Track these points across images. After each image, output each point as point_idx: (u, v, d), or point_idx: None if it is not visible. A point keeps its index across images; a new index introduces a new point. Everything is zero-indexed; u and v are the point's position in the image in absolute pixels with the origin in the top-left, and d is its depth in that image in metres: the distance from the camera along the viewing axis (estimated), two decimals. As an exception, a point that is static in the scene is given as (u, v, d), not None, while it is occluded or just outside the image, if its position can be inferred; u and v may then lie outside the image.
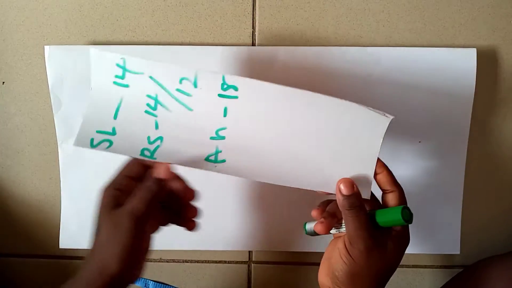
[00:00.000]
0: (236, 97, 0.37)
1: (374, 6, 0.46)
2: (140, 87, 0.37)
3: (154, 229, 0.38)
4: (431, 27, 0.47)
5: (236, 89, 0.37)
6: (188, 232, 0.39)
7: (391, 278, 0.52)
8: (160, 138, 0.37)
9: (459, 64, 0.46)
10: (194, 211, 0.39)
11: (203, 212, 0.49)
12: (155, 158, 0.37)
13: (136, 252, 0.34)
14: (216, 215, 0.49)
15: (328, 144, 0.37)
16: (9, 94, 0.50)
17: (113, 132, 0.37)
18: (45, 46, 0.46)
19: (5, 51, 0.49)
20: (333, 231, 0.39)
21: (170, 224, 0.39)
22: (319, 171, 0.37)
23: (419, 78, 0.46)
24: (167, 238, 0.50)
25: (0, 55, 0.49)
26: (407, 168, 0.48)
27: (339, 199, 0.36)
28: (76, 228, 0.50)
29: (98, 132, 0.37)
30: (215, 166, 0.37)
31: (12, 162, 0.51)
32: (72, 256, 0.53)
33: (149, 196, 0.34)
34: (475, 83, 0.46)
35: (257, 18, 0.47)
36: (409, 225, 0.48)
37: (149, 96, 0.37)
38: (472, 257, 0.50)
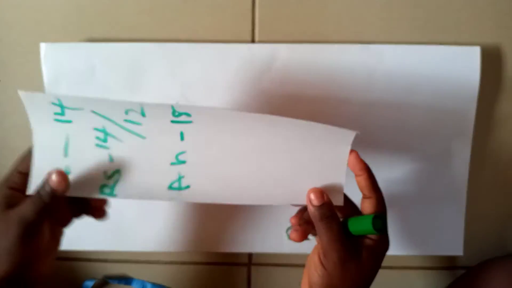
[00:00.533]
0: (190, 122, 0.34)
1: (376, 2, 0.46)
2: (85, 121, 0.34)
3: (65, 223, 0.38)
4: (434, 24, 0.46)
5: (189, 115, 0.34)
6: (98, 221, 0.39)
7: (393, 279, 0.52)
8: (118, 171, 0.35)
9: (463, 62, 0.45)
10: (102, 200, 0.38)
11: (198, 214, 0.49)
12: (115, 196, 0.35)
13: (30, 253, 0.34)
14: (215, 217, 0.49)
15: (295, 160, 0.36)
16: (5, 93, 0.49)
17: (68, 172, 0.35)
18: (41, 44, 0.46)
19: (0, 49, 0.48)
20: (312, 237, 0.38)
21: (83, 215, 0.39)
22: (288, 186, 0.36)
23: (422, 76, 0.46)
24: (166, 240, 0.49)
25: (-5, 53, 0.48)
26: (410, 167, 0.48)
27: (310, 210, 0.35)
28: (76, 229, 0.49)
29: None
30: (180, 194, 0.35)
31: (8, 162, 0.50)
32: (69, 257, 0.53)
33: (41, 205, 0.33)
34: (479, 82, 0.45)
35: (256, 14, 0.46)
36: (409, 226, 0.48)
37: (96, 129, 0.35)
38: (475, 258, 0.50)
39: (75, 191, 0.35)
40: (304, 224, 0.37)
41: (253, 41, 0.47)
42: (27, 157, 0.35)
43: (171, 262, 0.53)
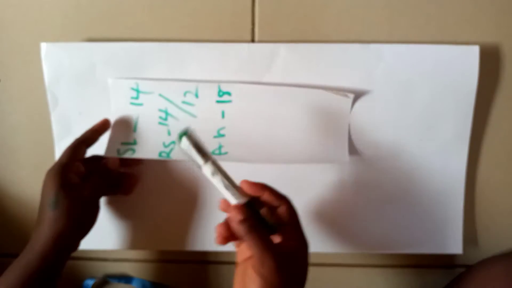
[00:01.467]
0: (230, 101, 0.45)
1: (376, 2, 0.46)
2: (153, 104, 0.45)
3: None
4: (434, 23, 0.46)
5: (229, 94, 0.45)
6: (126, 196, 0.47)
7: (392, 277, 0.52)
8: (173, 142, 0.46)
9: (462, 61, 0.45)
10: (135, 179, 0.48)
11: (198, 213, 0.49)
12: (170, 157, 0.45)
13: (79, 219, 0.41)
14: (216, 215, 0.49)
15: (308, 125, 0.45)
16: (5, 93, 0.49)
17: (135, 143, 0.46)
18: (41, 43, 0.46)
19: (0, 49, 0.48)
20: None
21: (110, 194, 0.47)
22: (304, 149, 0.45)
23: (420, 75, 0.46)
24: (165, 239, 0.49)
25: (-5, 53, 0.48)
26: (408, 166, 0.48)
27: (234, 227, 0.35)
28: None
29: (123, 143, 0.46)
30: (220, 157, 0.45)
31: (8, 161, 0.51)
32: (72, 257, 0.53)
33: (97, 185, 0.42)
34: (477, 81, 0.45)
35: (256, 13, 0.46)
36: (409, 224, 0.48)
37: (160, 110, 0.45)
38: (475, 256, 0.50)
39: (139, 155, 0.45)
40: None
41: (253, 40, 0.47)
42: (75, 146, 0.43)
43: (171, 261, 0.53)
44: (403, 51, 0.45)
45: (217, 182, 0.36)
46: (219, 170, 0.36)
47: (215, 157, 0.41)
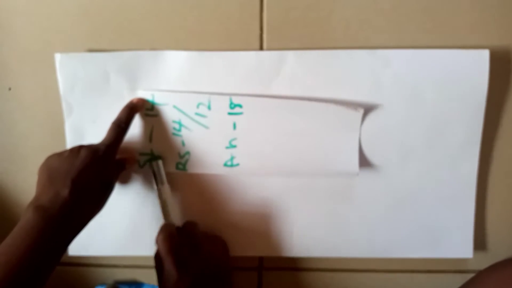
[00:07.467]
0: (241, 113, 0.45)
1: (383, 6, 0.46)
2: (167, 115, 0.46)
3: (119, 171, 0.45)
4: (442, 27, 0.46)
5: (241, 106, 0.45)
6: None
7: (401, 282, 0.52)
8: (188, 153, 0.47)
9: (471, 66, 0.45)
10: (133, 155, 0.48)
11: (208, 218, 0.49)
12: (186, 170, 0.47)
13: (89, 184, 0.39)
14: (225, 219, 0.49)
15: (319, 138, 0.46)
16: (15, 100, 0.49)
17: (152, 153, 0.47)
18: (55, 54, 0.46)
19: (11, 57, 0.48)
20: None
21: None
22: (315, 161, 0.46)
23: (429, 80, 0.45)
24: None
25: (6, 61, 0.48)
26: (418, 171, 0.47)
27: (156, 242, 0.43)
28: (85, 235, 0.50)
29: (141, 154, 0.48)
30: (232, 170, 0.47)
31: (17, 168, 0.51)
32: (79, 263, 0.53)
33: (118, 130, 0.43)
34: (487, 86, 0.45)
35: (265, 20, 0.46)
36: (418, 229, 0.48)
37: (174, 121, 0.46)
38: (485, 261, 0.50)
39: (158, 166, 0.46)
40: None
41: (261, 48, 0.47)
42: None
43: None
44: (411, 56, 0.45)
45: (158, 203, 0.46)
46: (165, 197, 0.46)
47: (226, 169, 0.47)
